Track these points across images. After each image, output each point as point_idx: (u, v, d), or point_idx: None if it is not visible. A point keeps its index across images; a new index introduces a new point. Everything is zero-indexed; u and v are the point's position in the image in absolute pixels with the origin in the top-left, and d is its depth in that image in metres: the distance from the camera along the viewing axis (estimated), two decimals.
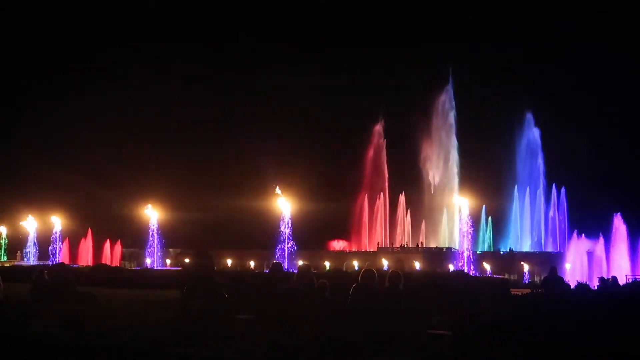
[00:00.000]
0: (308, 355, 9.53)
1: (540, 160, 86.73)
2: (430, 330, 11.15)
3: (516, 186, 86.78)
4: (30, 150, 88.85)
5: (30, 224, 61.71)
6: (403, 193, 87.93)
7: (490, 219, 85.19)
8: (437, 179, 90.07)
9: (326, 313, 12.03)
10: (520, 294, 20.31)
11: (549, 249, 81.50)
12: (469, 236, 42.72)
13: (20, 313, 14.10)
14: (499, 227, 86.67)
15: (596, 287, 24.07)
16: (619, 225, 57.95)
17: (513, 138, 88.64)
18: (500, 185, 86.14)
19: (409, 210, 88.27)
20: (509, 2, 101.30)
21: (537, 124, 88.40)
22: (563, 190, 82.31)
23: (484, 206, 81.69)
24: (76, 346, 10.07)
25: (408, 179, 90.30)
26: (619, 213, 57.97)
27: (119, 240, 77.38)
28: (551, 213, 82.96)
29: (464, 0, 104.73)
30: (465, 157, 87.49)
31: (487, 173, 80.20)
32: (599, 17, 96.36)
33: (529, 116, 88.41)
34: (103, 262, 64.29)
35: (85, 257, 73.24)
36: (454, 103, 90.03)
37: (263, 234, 56.20)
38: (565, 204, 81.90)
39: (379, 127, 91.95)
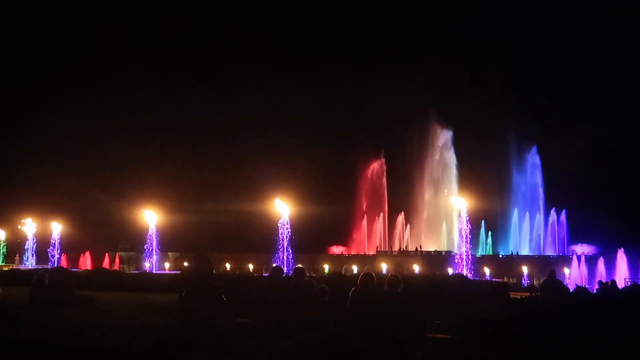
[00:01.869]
0: (307, 358, 9.52)
1: (540, 189, 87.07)
2: (430, 333, 11.14)
3: (516, 209, 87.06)
4: (29, 154, 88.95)
5: (28, 228, 61.57)
6: (402, 213, 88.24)
7: (490, 233, 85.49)
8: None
9: (325, 316, 12.03)
10: (519, 297, 20.31)
11: (549, 253, 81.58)
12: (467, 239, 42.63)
13: (18, 317, 14.06)
14: (498, 244, 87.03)
15: (595, 291, 24.09)
16: (621, 258, 60.86)
17: (512, 164, 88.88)
18: (499, 206, 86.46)
19: (408, 225, 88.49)
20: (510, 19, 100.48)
21: (538, 151, 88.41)
22: (563, 213, 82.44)
23: (483, 221, 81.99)
24: (74, 350, 10.05)
25: (408, 197, 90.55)
26: (622, 248, 59.94)
27: (117, 254, 77.53)
28: (549, 238, 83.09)
29: (464, 25, 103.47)
30: (463, 175, 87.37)
31: (486, 195, 79.64)
32: (599, 38, 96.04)
33: (530, 145, 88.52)
34: (102, 266, 64.21)
35: (84, 261, 73.17)
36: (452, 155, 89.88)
37: (262, 237, 56.20)
38: (565, 227, 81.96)
39: (378, 164, 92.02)
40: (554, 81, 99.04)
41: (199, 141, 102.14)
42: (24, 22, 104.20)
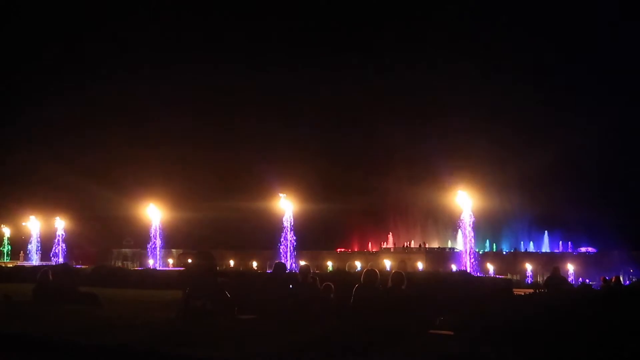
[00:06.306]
0: (310, 355, 9.52)
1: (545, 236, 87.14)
2: (433, 330, 11.12)
3: (522, 242, 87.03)
4: (32, 151, 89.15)
5: (33, 225, 61.76)
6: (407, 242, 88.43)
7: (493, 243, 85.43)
8: None
9: (329, 313, 12.04)
10: (523, 293, 20.28)
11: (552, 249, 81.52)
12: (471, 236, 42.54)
13: (22, 313, 14.11)
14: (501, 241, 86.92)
15: (599, 288, 24.03)
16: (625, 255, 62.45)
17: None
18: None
19: (412, 241, 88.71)
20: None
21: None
22: (570, 244, 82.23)
23: (487, 240, 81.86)
24: (78, 347, 10.07)
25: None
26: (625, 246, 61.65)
27: (121, 251, 77.54)
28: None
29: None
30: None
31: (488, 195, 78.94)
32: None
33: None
34: (106, 262, 64.22)
35: (88, 258, 73.23)
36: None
37: (266, 234, 56.23)
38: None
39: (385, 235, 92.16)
40: None
41: (203, 138, 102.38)
42: (25, 20, 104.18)
